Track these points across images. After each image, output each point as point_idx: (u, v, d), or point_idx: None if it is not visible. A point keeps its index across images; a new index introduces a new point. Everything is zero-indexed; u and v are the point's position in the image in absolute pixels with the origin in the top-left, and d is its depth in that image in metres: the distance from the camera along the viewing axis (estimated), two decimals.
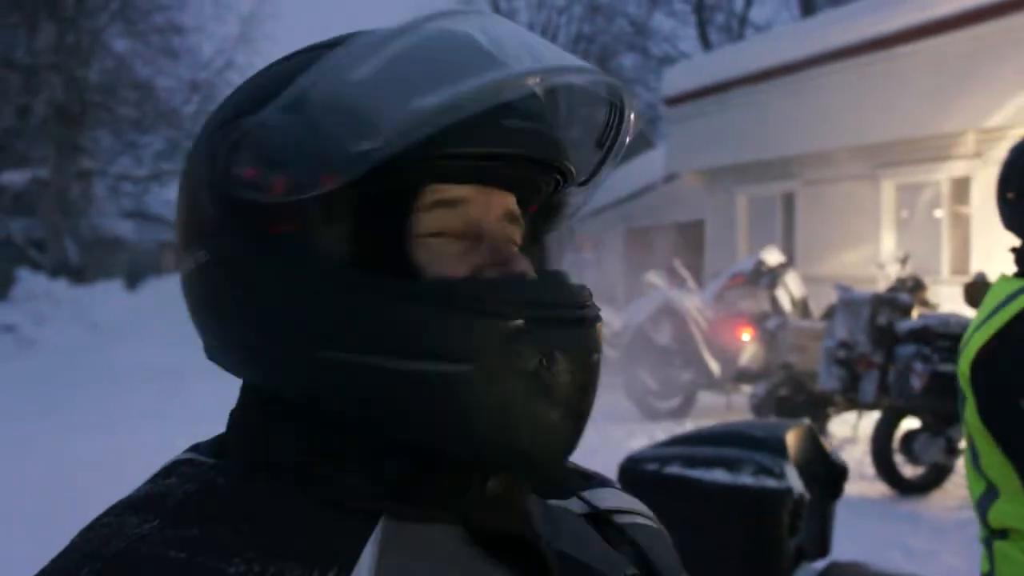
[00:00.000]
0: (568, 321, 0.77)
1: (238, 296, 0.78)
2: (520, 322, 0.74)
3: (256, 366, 0.80)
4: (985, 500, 2.09)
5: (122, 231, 27.75)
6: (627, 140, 0.89)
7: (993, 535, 2.07)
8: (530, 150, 0.80)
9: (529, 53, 0.79)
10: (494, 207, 0.82)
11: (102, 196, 27.00)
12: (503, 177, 0.82)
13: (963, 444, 2.16)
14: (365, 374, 0.74)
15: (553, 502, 0.92)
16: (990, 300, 2.10)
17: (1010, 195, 2.09)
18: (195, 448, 0.84)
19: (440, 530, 0.78)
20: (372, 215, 0.78)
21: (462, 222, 0.80)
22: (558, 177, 0.86)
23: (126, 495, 0.79)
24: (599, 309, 0.82)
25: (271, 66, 0.84)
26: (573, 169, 0.86)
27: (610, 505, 0.96)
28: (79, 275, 22.44)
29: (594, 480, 0.99)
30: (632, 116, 0.88)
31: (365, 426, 0.76)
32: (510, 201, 0.84)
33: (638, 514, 0.98)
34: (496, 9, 27.91)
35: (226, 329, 0.80)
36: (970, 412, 2.06)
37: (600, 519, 0.94)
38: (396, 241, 0.78)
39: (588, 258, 19.24)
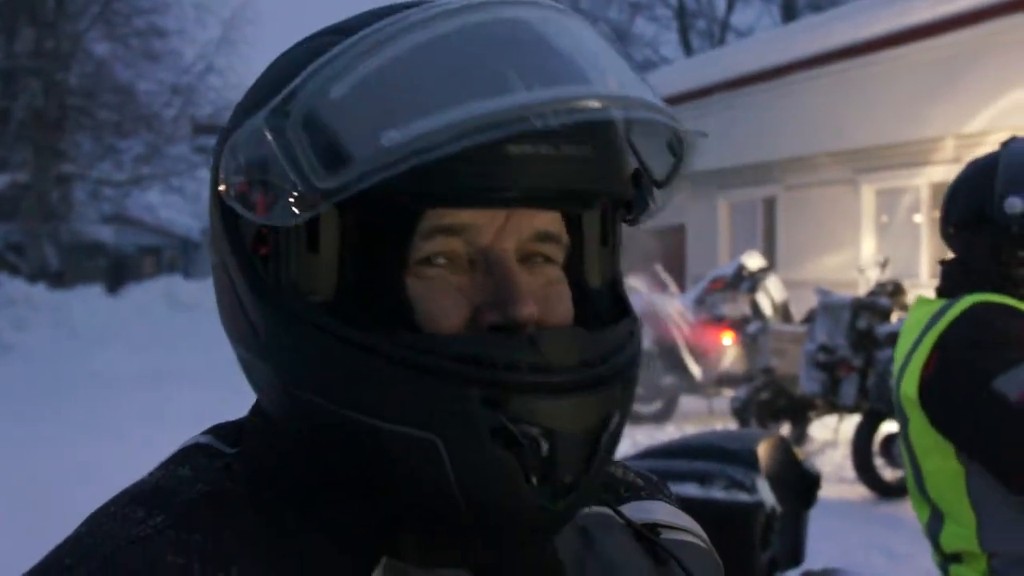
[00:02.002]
0: (547, 388, 0.68)
1: (231, 308, 0.76)
2: (485, 391, 0.67)
3: (250, 379, 0.78)
4: (933, 525, 2.09)
5: (102, 235, 27.63)
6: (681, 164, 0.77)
7: (947, 560, 2.07)
8: (539, 181, 0.69)
9: (560, 70, 0.68)
10: (512, 230, 0.72)
11: (82, 200, 26.87)
12: (523, 200, 0.71)
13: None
14: (332, 420, 0.70)
15: (595, 511, 0.87)
16: (914, 324, 2.11)
17: (951, 229, 2.14)
18: (216, 430, 0.82)
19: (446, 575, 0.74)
20: (358, 244, 0.72)
21: (467, 249, 0.72)
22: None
23: (140, 478, 0.77)
24: (623, 363, 0.73)
25: (286, 53, 0.78)
26: (615, 186, 0.75)
27: (658, 519, 0.90)
28: (59, 280, 22.33)
29: (643, 491, 0.93)
30: (684, 141, 0.76)
31: (350, 466, 0.72)
32: (542, 219, 0.74)
33: (687, 531, 0.91)
34: None
35: (227, 334, 0.79)
36: (916, 433, 2.06)
37: (646, 534, 0.87)
38: (384, 272, 0.72)
39: None
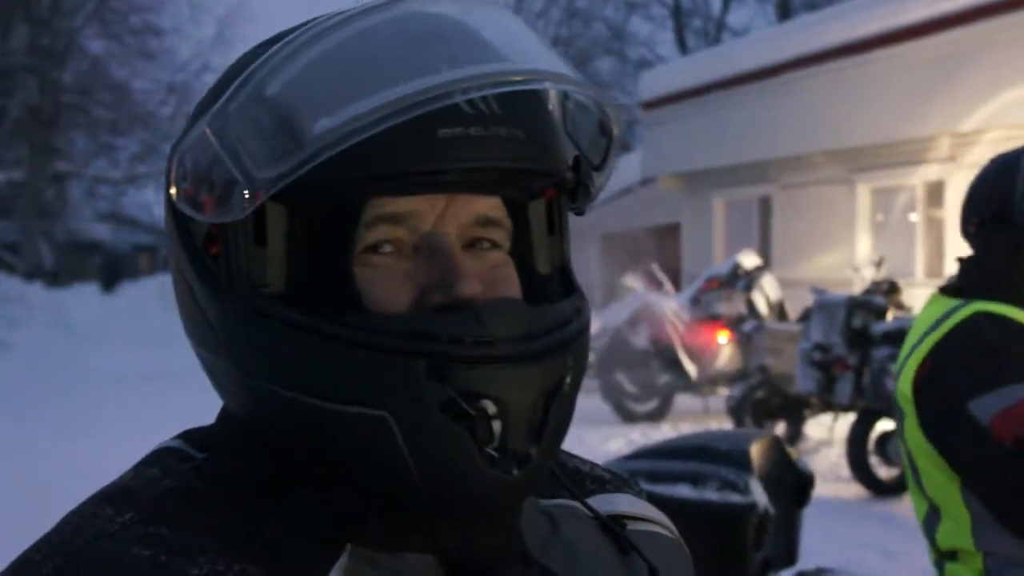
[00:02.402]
0: (494, 359, 0.70)
1: (191, 311, 0.78)
2: (431, 364, 0.69)
3: (214, 382, 0.80)
4: (930, 521, 2.08)
5: (97, 234, 27.59)
6: (613, 133, 0.80)
7: (943, 557, 2.06)
8: (472, 162, 0.72)
9: (483, 53, 0.71)
10: (452, 216, 0.74)
11: (77, 199, 26.82)
12: (460, 184, 0.74)
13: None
14: (288, 407, 0.72)
15: (561, 502, 0.88)
16: (923, 321, 2.09)
17: (971, 228, 2.11)
18: (186, 435, 0.84)
19: (410, 560, 0.75)
20: (304, 236, 0.74)
21: (410, 237, 0.74)
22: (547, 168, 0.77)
23: (110, 482, 0.79)
24: (569, 336, 0.74)
25: (229, 66, 0.81)
26: (549, 166, 0.77)
27: (624, 511, 0.91)
28: (54, 278, 22.30)
29: (609, 485, 0.94)
30: (610, 117, 0.79)
31: (312, 455, 0.73)
32: (481, 204, 0.76)
33: (654, 522, 0.93)
34: None
35: (189, 337, 0.80)
36: (910, 431, 2.06)
37: (611, 525, 0.88)
38: (331, 262, 0.74)
39: None
